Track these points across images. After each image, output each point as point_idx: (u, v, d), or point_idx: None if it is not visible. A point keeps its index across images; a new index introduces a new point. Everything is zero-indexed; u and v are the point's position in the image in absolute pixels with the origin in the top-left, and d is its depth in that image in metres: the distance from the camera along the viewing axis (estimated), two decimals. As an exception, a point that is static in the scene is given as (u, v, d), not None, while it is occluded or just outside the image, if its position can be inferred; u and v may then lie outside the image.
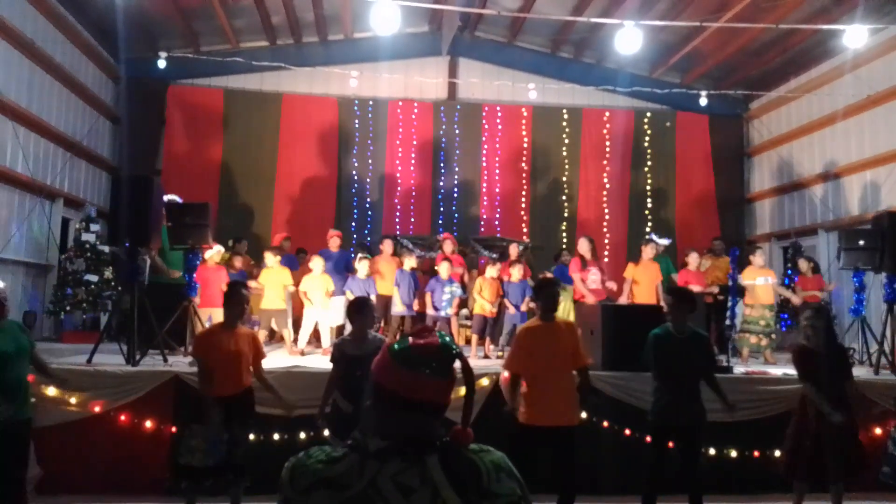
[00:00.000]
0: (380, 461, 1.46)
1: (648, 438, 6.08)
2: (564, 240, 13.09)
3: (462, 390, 1.62)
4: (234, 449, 4.81)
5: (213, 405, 4.79)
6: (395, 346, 1.56)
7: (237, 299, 5.04)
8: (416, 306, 8.93)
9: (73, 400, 6.06)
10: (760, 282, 9.02)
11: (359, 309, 5.01)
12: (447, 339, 1.57)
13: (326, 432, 5.75)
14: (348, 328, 8.54)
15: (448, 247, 9.54)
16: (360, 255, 9.16)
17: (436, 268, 9.02)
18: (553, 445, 4.81)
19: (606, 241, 13.20)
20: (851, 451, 5.07)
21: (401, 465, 1.45)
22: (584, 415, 6.30)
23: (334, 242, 9.57)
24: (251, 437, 5.30)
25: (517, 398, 4.89)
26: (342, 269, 9.30)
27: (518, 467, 1.53)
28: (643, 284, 9.13)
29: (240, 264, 9.18)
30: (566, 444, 4.82)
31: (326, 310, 8.55)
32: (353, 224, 12.95)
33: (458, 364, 1.57)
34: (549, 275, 9.04)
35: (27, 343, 4.70)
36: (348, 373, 4.82)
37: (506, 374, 6.41)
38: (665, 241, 10.07)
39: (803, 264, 9.59)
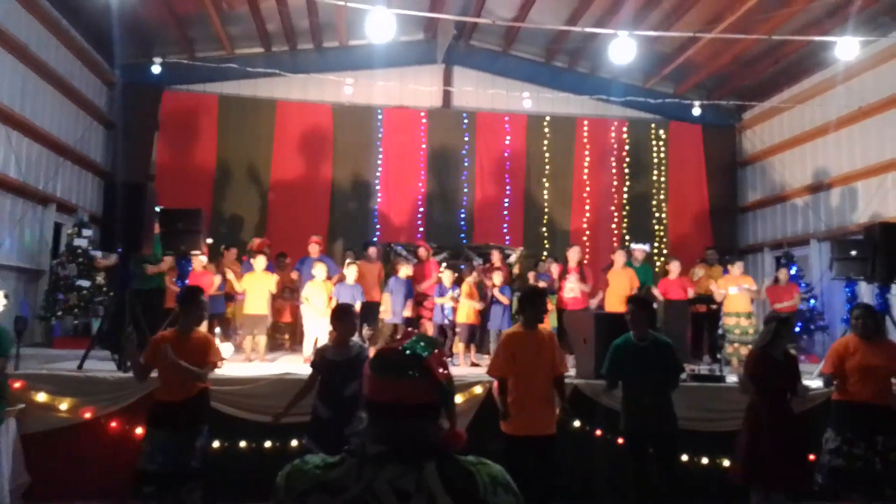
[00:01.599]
0: (377, 466, 1.47)
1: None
2: (555, 247, 13.13)
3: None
4: (178, 456, 4.72)
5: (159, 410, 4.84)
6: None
7: (194, 305, 4.97)
8: (408, 313, 8.96)
9: (63, 406, 6.01)
10: (733, 291, 9.09)
11: (340, 316, 5.04)
12: (416, 341, 1.59)
13: (295, 442, 5.75)
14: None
15: (422, 254, 9.64)
16: (347, 260, 9.15)
17: (439, 275, 9.05)
18: (535, 454, 4.83)
19: (599, 249, 13.20)
20: (790, 463, 5.03)
21: (398, 470, 1.46)
22: (577, 423, 6.32)
23: (314, 248, 9.54)
24: (214, 444, 5.23)
25: (505, 402, 4.92)
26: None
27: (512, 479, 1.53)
28: (615, 291, 9.15)
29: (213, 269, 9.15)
30: (548, 453, 4.84)
31: (325, 317, 8.51)
32: (347, 231, 12.93)
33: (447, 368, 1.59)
34: (542, 283, 9.13)
35: None
36: (328, 378, 4.82)
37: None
38: (643, 247, 10.07)
39: (782, 273, 9.65)
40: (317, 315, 8.37)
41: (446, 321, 8.68)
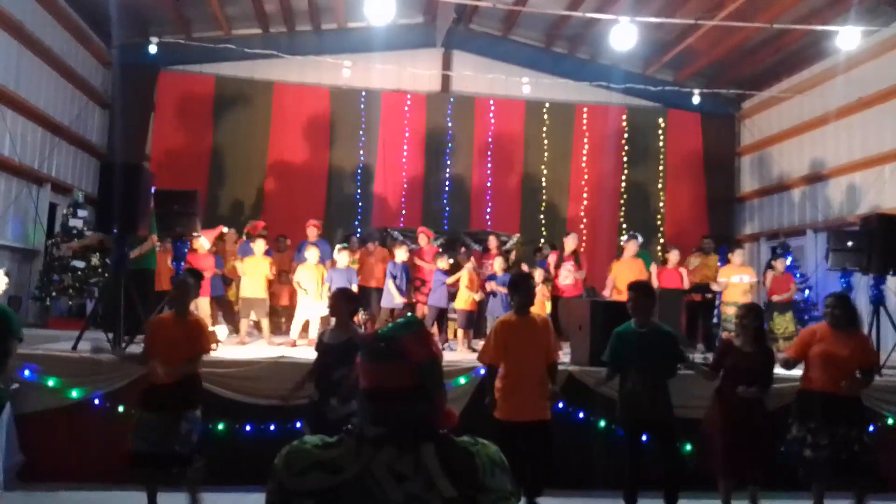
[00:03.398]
0: (375, 447, 1.48)
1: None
2: (552, 234, 13.14)
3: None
4: (165, 439, 4.74)
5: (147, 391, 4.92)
6: None
7: (179, 288, 5.07)
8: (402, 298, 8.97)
9: (57, 386, 6.00)
10: (735, 280, 9.09)
11: (337, 300, 5.10)
12: (394, 324, 1.60)
13: (299, 424, 5.79)
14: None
15: (423, 240, 9.65)
16: (338, 245, 9.12)
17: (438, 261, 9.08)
18: (527, 440, 4.83)
19: (596, 236, 13.22)
20: (760, 453, 5.05)
21: (395, 452, 1.47)
22: (561, 405, 6.32)
23: (312, 232, 9.53)
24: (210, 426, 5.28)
25: (492, 389, 4.95)
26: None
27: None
28: (622, 281, 9.12)
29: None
30: (541, 439, 4.85)
31: (320, 301, 8.50)
32: (343, 214, 12.91)
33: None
34: (526, 268, 9.16)
35: None
36: (322, 361, 4.86)
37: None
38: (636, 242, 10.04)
39: (779, 264, 9.65)
40: (308, 298, 8.36)
41: (445, 304, 8.66)
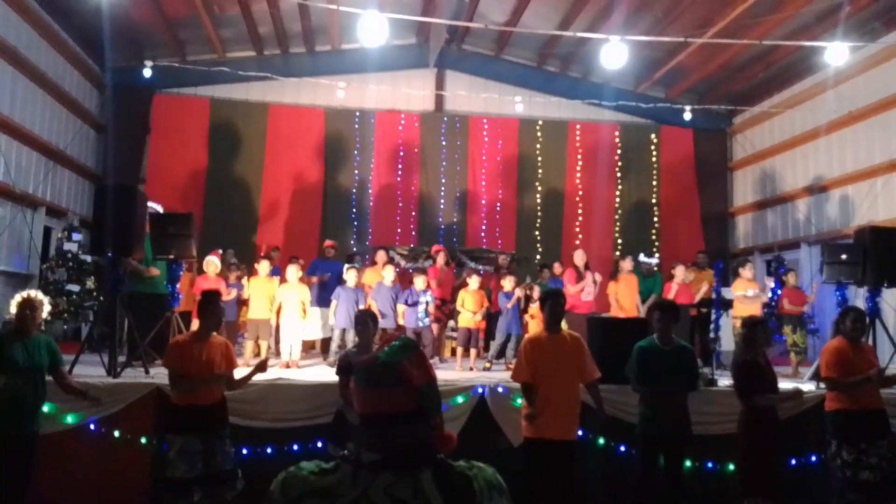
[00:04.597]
0: (372, 473, 1.46)
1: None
2: (547, 250, 13.16)
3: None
4: (211, 460, 4.76)
5: (185, 415, 4.78)
6: None
7: (211, 310, 5.01)
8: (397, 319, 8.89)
9: (52, 411, 5.95)
10: (751, 293, 9.09)
11: (361, 321, 5.25)
12: (391, 348, 1.56)
13: (319, 444, 5.78)
14: (335, 339, 8.56)
15: (441, 259, 9.57)
16: (347, 265, 9.11)
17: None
18: (553, 460, 4.80)
19: (591, 252, 13.20)
20: (769, 469, 4.97)
21: (393, 478, 1.45)
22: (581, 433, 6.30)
23: (330, 252, 9.53)
24: (236, 448, 5.25)
25: (534, 403, 4.87)
26: (336, 279, 9.19)
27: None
28: (624, 298, 9.19)
29: (233, 277, 9.01)
30: (566, 459, 4.83)
31: (303, 320, 8.40)
32: (339, 234, 12.90)
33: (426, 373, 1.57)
34: (536, 286, 9.11)
35: (45, 362, 4.77)
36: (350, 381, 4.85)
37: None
38: (653, 260, 10.08)
39: (791, 277, 9.65)
40: (290, 319, 8.25)
41: (420, 325, 8.49)
